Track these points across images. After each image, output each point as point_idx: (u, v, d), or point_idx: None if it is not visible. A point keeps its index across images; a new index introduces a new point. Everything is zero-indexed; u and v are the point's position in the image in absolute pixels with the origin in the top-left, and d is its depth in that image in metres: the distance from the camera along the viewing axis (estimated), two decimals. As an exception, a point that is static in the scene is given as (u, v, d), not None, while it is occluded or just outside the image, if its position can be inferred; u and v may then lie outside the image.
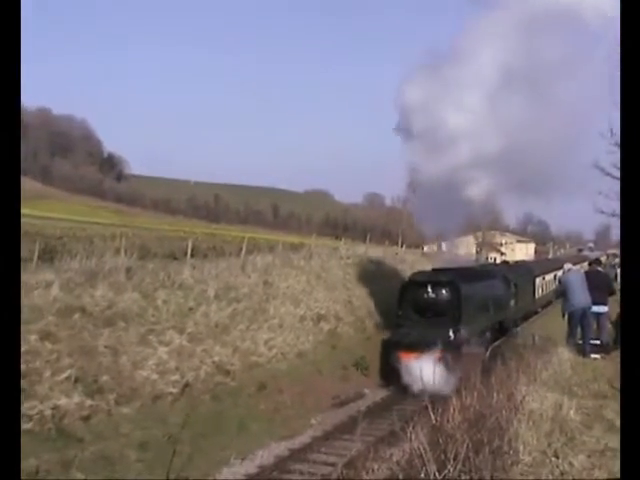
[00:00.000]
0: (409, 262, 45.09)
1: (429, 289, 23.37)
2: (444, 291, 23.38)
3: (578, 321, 20.15)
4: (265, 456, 15.87)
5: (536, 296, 39.15)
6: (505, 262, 41.57)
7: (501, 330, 27.82)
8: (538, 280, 40.35)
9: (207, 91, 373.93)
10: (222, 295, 23.88)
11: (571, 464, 8.47)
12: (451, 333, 22.19)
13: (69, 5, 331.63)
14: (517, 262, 48.59)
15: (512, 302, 30.17)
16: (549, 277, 44.70)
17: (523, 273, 36.09)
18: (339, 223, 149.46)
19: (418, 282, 24.01)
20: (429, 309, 23.32)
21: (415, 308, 23.53)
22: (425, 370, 18.36)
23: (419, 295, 23.50)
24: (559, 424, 10.10)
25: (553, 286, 43.47)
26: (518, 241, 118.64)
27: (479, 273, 28.76)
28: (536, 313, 39.06)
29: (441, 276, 24.27)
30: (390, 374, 22.66)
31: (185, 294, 22.73)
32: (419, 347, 21.46)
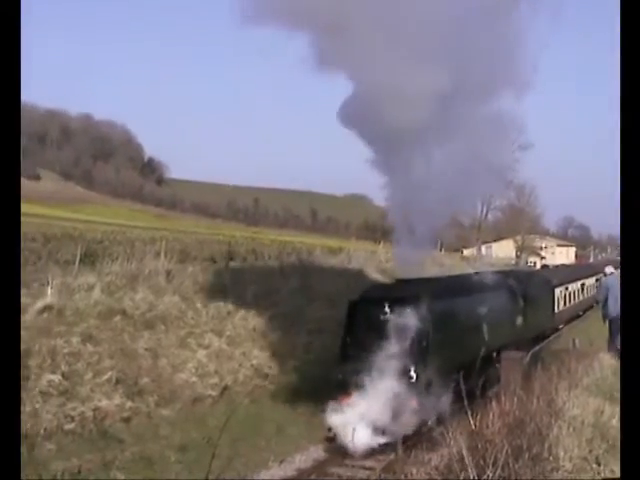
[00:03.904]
0: (447, 266, 44.81)
1: (386, 308, 16.53)
2: (408, 310, 16.35)
3: (619, 327, 19.87)
4: (303, 459, 15.85)
5: (556, 310, 32.25)
6: (514, 271, 33.28)
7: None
8: (559, 291, 33.87)
9: (247, 95, 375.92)
10: (261, 298, 23.96)
11: (612, 471, 8.37)
12: (412, 370, 15.84)
13: (111, 14, 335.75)
14: (530, 271, 43.33)
15: (519, 320, 23.59)
16: (574, 287, 38.94)
17: (537, 283, 29.22)
18: (378, 227, 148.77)
19: (372, 299, 17.17)
20: (385, 335, 16.17)
21: (367, 334, 16.60)
22: (362, 424, 14.75)
23: (373, 316, 16.71)
24: (600, 431, 9.98)
25: (581, 297, 39.98)
26: (558, 245, 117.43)
27: (468, 284, 21.86)
28: (557, 330, 32.39)
29: (404, 290, 17.28)
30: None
31: (224, 297, 22.85)
32: (361, 391, 15.64)
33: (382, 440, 14.70)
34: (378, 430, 14.85)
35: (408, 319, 16.27)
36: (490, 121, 17.53)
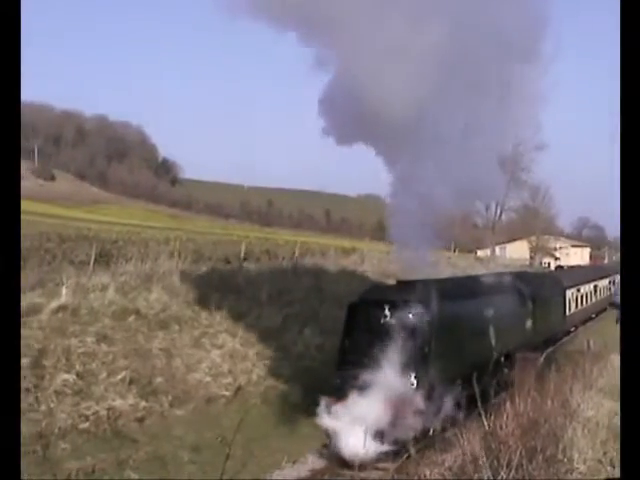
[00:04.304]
0: (461, 267, 44.67)
1: (386, 311, 15.91)
2: (409, 314, 15.85)
3: None
4: (316, 460, 15.86)
5: (567, 313, 31.66)
6: (523, 273, 31.46)
7: (511, 361, 20.15)
8: (570, 293, 32.99)
9: (260, 95, 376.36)
10: (274, 299, 23.98)
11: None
12: (413, 377, 15.13)
13: (126, 14, 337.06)
14: (540, 272, 41.94)
15: (528, 323, 23.03)
16: (586, 289, 38.11)
17: (548, 285, 28.61)
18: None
19: (371, 301, 16.54)
20: (386, 340, 15.53)
21: (366, 338, 15.97)
22: (358, 432, 14.06)
23: (372, 320, 16.12)
24: (615, 432, 9.92)
25: (594, 299, 39.29)
26: (573, 246, 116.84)
27: (473, 287, 20.69)
28: (568, 333, 32.24)
29: (406, 292, 16.45)
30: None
31: (238, 298, 22.88)
32: (359, 397, 15.08)
33: (380, 447, 14.34)
34: (376, 438, 14.39)
35: (409, 323, 15.80)
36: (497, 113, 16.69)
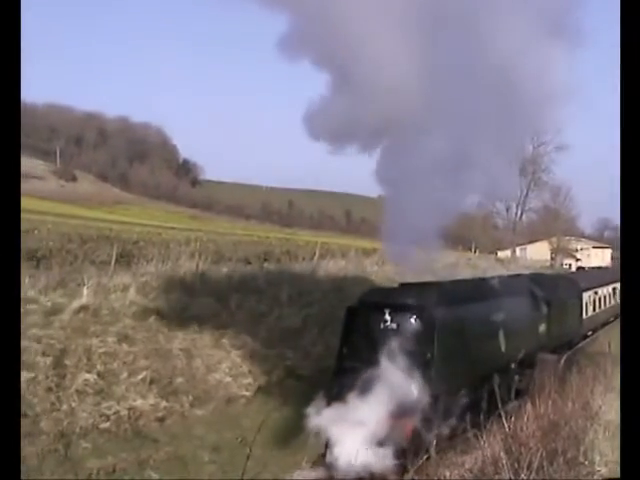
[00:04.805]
0: (481, 268, 44.47)
1: (387, 316, 14.71)
2: (411, 318, 14.69)
3: None
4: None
5: (584, 316, 29.71)
6: (537, 274, 29.27)
7: (523, 368, 19.13)
8: (587, 295, 31.15)
9: (280, 96, 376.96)
10: (295, 300, 23.99)
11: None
12: (413, 387, 13.78)
13: (151, 19, 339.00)
14: (556, 274, 39.70)
15: (542, 328, 21.47)
16: (605, 291, 36.47)
17: (563, 287, 26.94)
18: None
19: (371, 305, 15.26)
20: (386, 346, 14.22)
21: (366, 344, 14.76)
22: (354, 444, 13.13)
23: (372, 325, 14.90)
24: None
25: (612, 302, 37.40)
26: (594, 247, 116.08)
27: (482, 290, 18.90)
28: (585, 338, 30.34)
29: (407, 296, 15.22)
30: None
31: (258, 298, 22.91)
32: (357, 407, 13.86)
33: (376, 460, 13.18)
34: (373, 449, 13.19)
35: (411, 328, 14.60)
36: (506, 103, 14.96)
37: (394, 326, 14.62)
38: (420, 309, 14.71)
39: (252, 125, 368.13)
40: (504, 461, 7.27)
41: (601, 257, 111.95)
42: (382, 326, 14.67)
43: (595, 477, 8.11)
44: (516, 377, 18.16)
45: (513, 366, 18.14)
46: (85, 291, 19.28)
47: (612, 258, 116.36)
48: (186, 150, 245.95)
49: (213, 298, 21.85)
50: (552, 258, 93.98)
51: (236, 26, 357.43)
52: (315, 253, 37.47)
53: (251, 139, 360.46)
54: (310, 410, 13.69)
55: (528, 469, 7.09)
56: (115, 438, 14.20)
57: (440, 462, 10.13)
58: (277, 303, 23.11)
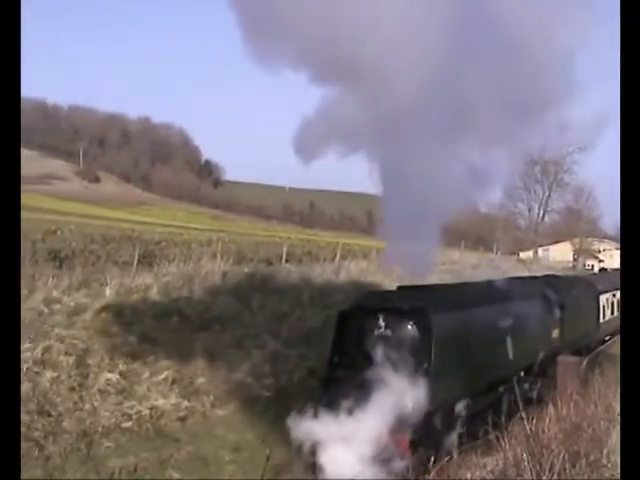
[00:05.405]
0: (503, 269, 44.25)
1: (381, 322, 13.34)
2: (407, 324, 13.37)
3: None
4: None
5: (601, 320, 28.26)
6: (551, 277, 26.43)
7: (534, 375, 17.97)
8: (605, 298, 29.48)
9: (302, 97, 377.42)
10: (316, 300, 24.00)
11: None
12: (408, 399, 12.39)
13: (167, 20, 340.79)
14: (571, 276, 37.91)
15: (555, 333, 20.10)
16: None
17: (579, 290, 25.35)
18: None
19: (365, 309, 13.92)
20: (379, 354, 12.97)
21: (358, 353, 13.42)
22: (344, 460, 11.88)
23: (365, 331, 13.51)
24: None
25: None
26: (617, 248, 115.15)
27: (489, 293, 17.54)
28: (603, 342, 28.77)
29: (404, 300, 13.83)
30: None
31: (280, 299, 22.94)
32: (347, 420, 12.43)
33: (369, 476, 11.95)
34: (363, 467, 11.90)
35: (407, 334, 13.31)
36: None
37: (388, 332, 13.32)
38: (417, 314, 13.39)
39: (273, 125, 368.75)
40: (526, 463, 7.24)
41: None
42: (376, 332, 13.36)
43: (617, 480, 8.06)
44: (526, 386, 17.02)
45: (522, 374, 17.02)
46: (108, 291, 19.41)
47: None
48: (208, 151, 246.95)
49: (235, 298, 21.91)
50: (574, 259, 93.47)
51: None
52: (336, 254, 37.44)
53: (272, 140, 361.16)
54: (296, 422, 12.23)
55: (550, 471, 7.06)
56: (137, 437, 14.29)
57: (462, 463, 10.07)
58: (298, 304, 23.13)
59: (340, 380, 13.31)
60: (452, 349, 13.71)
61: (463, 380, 13.99)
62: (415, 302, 13.60)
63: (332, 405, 12.59)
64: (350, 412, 12.40)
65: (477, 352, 14.70)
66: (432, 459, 11.02)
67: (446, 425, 13.18)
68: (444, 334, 13.44)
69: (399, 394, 12.40)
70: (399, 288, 15.05)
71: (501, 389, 15.80)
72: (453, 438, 13.14)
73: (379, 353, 12.92)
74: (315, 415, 12.42)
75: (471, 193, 15.03)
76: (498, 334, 15.85)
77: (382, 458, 11.89)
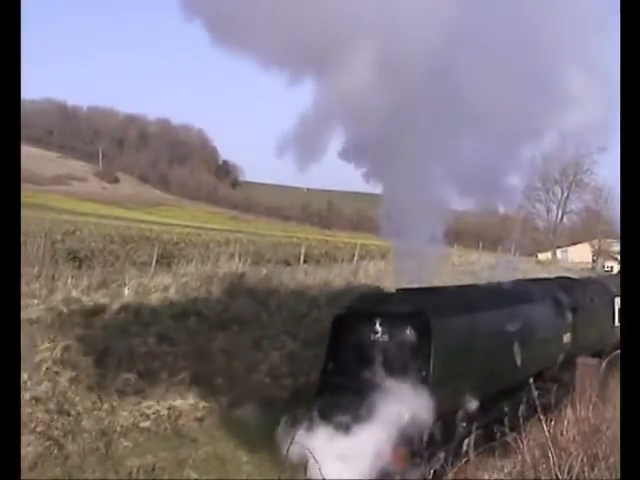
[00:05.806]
0: (521, 270, 43.93)
1: (378, 326, 12.48)
2: (405, 329, 12.43)
3: None
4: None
5: (616, 324, 25.54)
6: (563, 279, 25.47)
7: (543, 382, 16.96)
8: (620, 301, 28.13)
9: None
10: (334, 301, 23.98)
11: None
12: (405, 410, 11.47)
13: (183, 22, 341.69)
14: (585, 278, 37.62)
15: (566, 337, 19.03)
16: None
17: (593, 293, 24.08)
18: (451, 230, 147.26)
19: (360, 313, 13.01)
20: (375, 361, 12.17)
21: (353, 359, 12.63)
22: (339, 475, 10.78)
23: (361, 336, 12.69)
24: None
25: None
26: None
27: (495, 296, 16.56)
28: (618, 347, 26.72)
29: (402, 303, 12.82)
30: None
31: (298, 299, 22.94)
32: (340, 431, 11.57)
33: None
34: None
35: (405, 340, 12.38)
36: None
37: (385, 338, 12.45)
38: (416, 318, 12.43)
39: (290, 126, 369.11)
40: (544, 466, 7.20)
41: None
42: (372, 337, 12.51)
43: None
44: (535, 392, 16.03)
45: (531, 381, 15.11)
46: (126, 291, 19.50)
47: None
48: (226, 151, 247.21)
49: (253, 299, 21.94)
50: (594, 260, 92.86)
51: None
52: (354, 254, 37.41)
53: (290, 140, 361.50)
54: (286, 432, 11.17)
55: (568, 474, 7.02)
56: (155, 437, 14.31)
57: (479, 465, 10.00)
58: (316, 305, 23.12)
59: (333, 388, 12.54)
60: (453, 355, 12.82)
61: (465, 388, 13.05)
62: (414, 305, 12.75)
63: (324, 415, 11.89)
64: (343, 422, 11.68)
65: (481, 359, 13.83)
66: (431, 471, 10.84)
67: (446, 436, 12.38)
68: (445, 339, 12.57)
69: (396, 403, 11.58)
70: (398, 291, 13.85)
71: (507, 397, 15.09)
72: (453, 449, 12.29)
73: (375, 360, 12.17)
74: (308, 425, 11.59)
75: (480, 194, 15.03)
76: (504, 339, 14.92)
77: (377, 471, 11.25)
